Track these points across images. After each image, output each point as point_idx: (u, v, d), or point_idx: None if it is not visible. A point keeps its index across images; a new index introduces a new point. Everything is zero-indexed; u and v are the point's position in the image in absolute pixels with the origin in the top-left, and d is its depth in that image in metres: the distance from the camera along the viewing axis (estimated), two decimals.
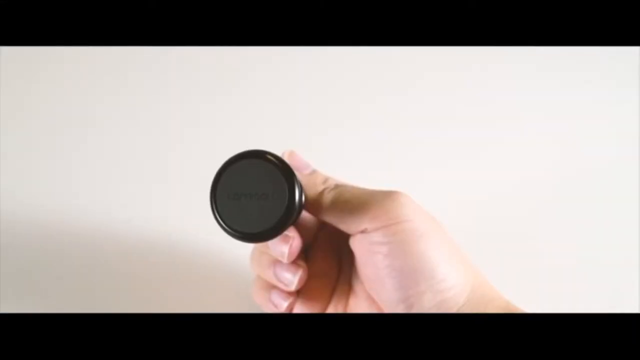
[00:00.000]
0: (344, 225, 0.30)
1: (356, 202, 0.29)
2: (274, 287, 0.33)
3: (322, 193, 0.31)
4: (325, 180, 0.32)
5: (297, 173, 0.30)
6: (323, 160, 0.34)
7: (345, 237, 0.31)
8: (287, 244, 0.30)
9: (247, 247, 0.34)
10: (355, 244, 0.30)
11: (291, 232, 0.30)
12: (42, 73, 0.48)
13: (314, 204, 0.31)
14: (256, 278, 0.34)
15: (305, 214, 0.32)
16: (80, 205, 0.42)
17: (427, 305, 0.28)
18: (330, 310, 0.33)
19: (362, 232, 0.29)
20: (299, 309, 0.33)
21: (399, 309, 0.28)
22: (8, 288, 0.39)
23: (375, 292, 0.30)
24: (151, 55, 0.49)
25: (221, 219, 0.27)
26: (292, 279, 0.31)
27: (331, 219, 0.31)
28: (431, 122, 0.47)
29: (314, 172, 0.32)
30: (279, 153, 0.31)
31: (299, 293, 0.33)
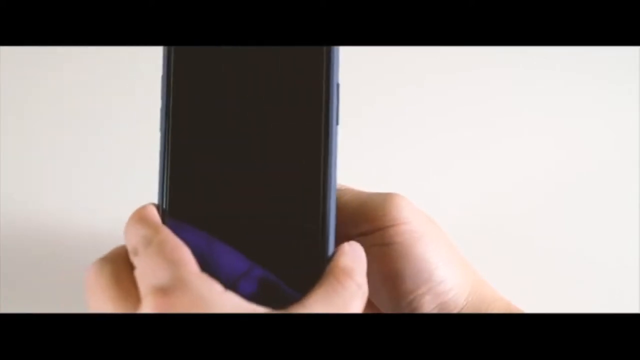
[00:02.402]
0: (341, 229, 0.30)
1: (354, 205, 0.29)
2: None
3: None
4: None
5: None
6: None
7: (342, 240, 0.31)
8: None
9: None
10: None
11: None
12: (42, 73, 0.48)
13: None
14: None
15: None
16: (81, 205, 0.42)
17: (427, 307, 0.28)
18: None
19: (360, 235, 0.29)
20: None
21: (398, 312, 0.28)
22: (8, 288, 0.39)
23: (374, 295, 0.29)
24: (151, 55, 0.49)
25: None
26: None
27: None
28: (429, 123, 0.47)
29: None
30: None
31: None
